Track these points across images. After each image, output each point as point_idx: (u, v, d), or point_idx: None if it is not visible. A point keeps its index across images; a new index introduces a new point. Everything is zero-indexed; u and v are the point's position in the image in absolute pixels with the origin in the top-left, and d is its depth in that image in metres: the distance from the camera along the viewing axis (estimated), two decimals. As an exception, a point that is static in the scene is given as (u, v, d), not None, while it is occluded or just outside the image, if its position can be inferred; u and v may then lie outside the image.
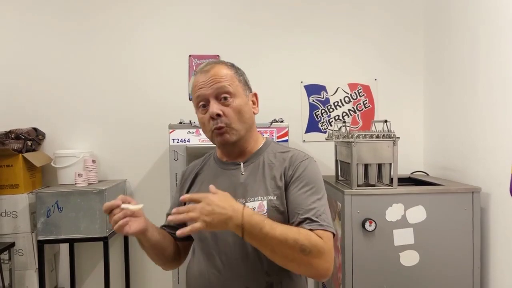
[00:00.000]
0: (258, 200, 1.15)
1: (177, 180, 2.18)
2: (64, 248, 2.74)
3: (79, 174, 2.44)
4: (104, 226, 2.32)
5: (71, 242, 2.57)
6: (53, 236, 2.31)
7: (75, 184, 2.45)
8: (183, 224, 1.16)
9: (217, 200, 1.00)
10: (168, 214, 1.27)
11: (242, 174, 1.20)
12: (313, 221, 1.08)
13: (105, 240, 2.33)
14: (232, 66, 1.24)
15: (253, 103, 1.25)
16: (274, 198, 1.16)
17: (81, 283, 2.76)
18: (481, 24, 2.14)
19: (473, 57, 2.22)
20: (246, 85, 1.24)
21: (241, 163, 1.22)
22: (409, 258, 2.04)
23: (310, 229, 1.06)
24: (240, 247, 1.14)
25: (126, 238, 2.72)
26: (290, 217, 1.14)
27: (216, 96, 1.15)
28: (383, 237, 2.02)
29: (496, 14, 2.01)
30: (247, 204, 1.15)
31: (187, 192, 1.26)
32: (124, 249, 2.73)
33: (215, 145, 1.26)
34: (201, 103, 1.17)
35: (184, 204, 1.16)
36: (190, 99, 2.76)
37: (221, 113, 1.14)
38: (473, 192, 2.05)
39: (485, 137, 2.12)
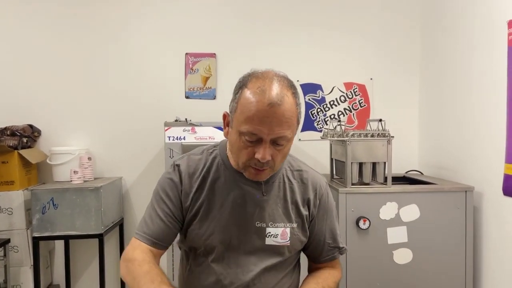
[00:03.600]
0: (281, 227, 1.13)
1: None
2: (60, 245, 2.74)
3: (74, 171, 2.44)
4: (100, 223, 2.32)
5: (66, 239, 2.57)
6: (48, 232, 2.31)
7: (71, 181, 2.45)
8: (172, 238, 1.13)
9: None
10: (161, 218, 1.11)
11: (263, 195, 1.12)
12: (340, 248, 1.23)
13: (100, 237, 2.34)
14: (296, 95, 1.04)
15: None
16: (296, 225, 1.15)
17: (76, 280, 2.77)
18: (476, 27, 2.15)
19: (468, 59, 2.23)
20: (299, 119, 1.06)
21: (262, 183, 1.12)
22: (402, 256, 2.06)
23: (334, 257, 1.23)
24: (252, 272, 1.10)
25: (121, 235, 2.73)
26: (315, 244, 1.21)
27: (272, 140, 1.00)
28: (376, 235, 2.04)
29: (491, 17, 2.02)
30: (268, 229, 1.12)
31: (193, 197, 1.12)
32: (119, 246, 2.73)
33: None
34: (249, 137, 0.99)
35: (188, 208, 1.11)
36: (186, 97, 2.77)
37: (270, 159, 1.02)
38: (466, 191, 2.07)
39: (478, 137, 2.14)
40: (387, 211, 2.05)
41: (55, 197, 2.31)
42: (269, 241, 1.11)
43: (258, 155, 1.00)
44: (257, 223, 1.11)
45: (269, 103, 0.96)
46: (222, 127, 1.12)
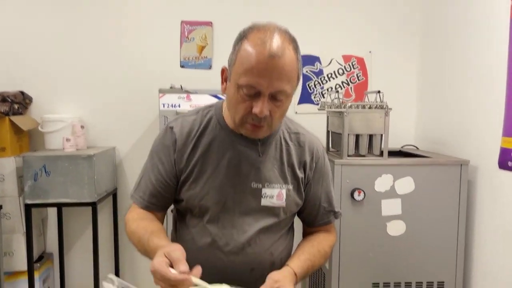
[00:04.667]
0: (277, 188, 1.12)
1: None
2: (52, 213, 2.72)
3: (67, 139, 2.40)
4: (93, 191, 2.30)
5: (59, 206, 2.56)
6: (41, 200, 2.28)
7: (63, 149, 2.41)
8: (168, 200, 1.14)
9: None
10: (152, 183, 1.11)
11: (259, 156, 1.11)
12: (335, 212, 1.24)
13: (93, 205, 2.32)
14: (297, 50, 1.02)
15: None
16: (291, 187, 1.14)
17: (69, 248, 2.77)
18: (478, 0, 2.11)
19: (468, 33, 2.20)
20: (300, 76, 1.04)
21: (259, 143, 1.10)
22: (395, 228, 2.07)
23: (329, 221, 1.23)
24: (247, 233, 1.10)
25: (115, 204, 2.71)
26: (311, 207, 1.20)
27: (271, 94, 0.97)
28: (371, 207, 2.04)
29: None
30: (264, 190, 1.10)
31: (188, 158, 1.10)
32: (113, 215, 2.72)
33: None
34: (247, 90, 0.96)
35: (182, 169, 1.10)
36: (181, 66, 2.71)
37: (268, 114, 0.98)
38: (461, 164, 2.07)
39: (475, 112, 2.12)
40: (382, 183, 2.04)
41: (47, 164, 2.28)
42: (264, 202, 1.10)
43: (256, 110, 0.97)
44: (253, 184, 1.10)
45: (270, 55, 0.93)
46: (220, 91, 1.09)
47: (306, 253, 1.14)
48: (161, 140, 1.14)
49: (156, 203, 1.13)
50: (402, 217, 2.06)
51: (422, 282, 2.09)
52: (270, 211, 1.12)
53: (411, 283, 2.08)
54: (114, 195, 2.70)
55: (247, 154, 1.10)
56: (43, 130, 2.52)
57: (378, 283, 2.07)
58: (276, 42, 0.95)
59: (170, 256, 0.88)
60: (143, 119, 2.69)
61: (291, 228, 1.24)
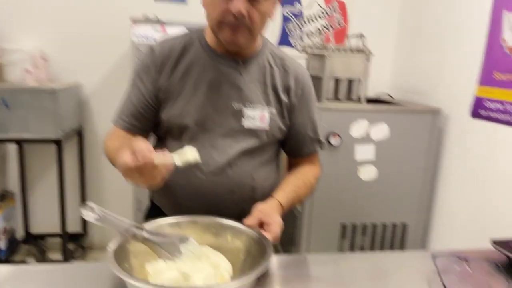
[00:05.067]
0: (259, 109, 1.08)
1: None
2: (13, 150, 2.58)
3: (27, 71, 2.23)
4: (58, 127, 2.18)
5: (21, 142, 2.41)
6: (1, 135, 2.14)
7: (24, 81, 2.24)
8: (149, 123, 1.11)
9: (278, 220, 0.97)
10: (133, 103, 1.08)
11: (241, 75, 1.08)
12: (320, 142, 1.22)
13: (58, 143, 2.21)
14: None
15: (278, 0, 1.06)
16: (275, 111, 1.11)
17: (33, 188, 2.66)
18: None
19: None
20: None
21: (240, 62, 1.08)
22: (367, 173, 2.11)
23: (315, 151, 1.21)
24: (228, 154, 1.08)
25: (81, 142, 2.59)
26: (296, 136, 1.17)
27: None
28: (345, 152, 2.06)
29: None
30: (245, 110, 1.07)
31: (169, 78, 1.06)
32: (79, 155, 2.61)
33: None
34: None
35: (162, 88, 1.07)
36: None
37: (246, 14, 0.94)
38: (433, 112, 2.11)
39: (450, 59, 2.13)
40: (358, 128, 2.05)
41: (6, 96, 2.11)
42: (247, 123, 1.08)
43: (232, 7, 0.93)
44: (234, 104, 1.07)
45: None
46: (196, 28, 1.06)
47: (291, 184, 1.14)
48: (142, 61, 1.11)
49: (136, 125, 1.10)
50: (374, 163, 2.10)
51: (386, 224, 2.18)
52: (252, 133, 1.09)
53: (376, 224, 2.17)
54: (79, 134, 2.58)
55: (228, 74, 1.07)
56: (1, 60, 2.32)
57: (346, 224, 2.14)
58: None
59: (133, 147, 0.81)
60: (112, 53, 2.52)
61: (276, 160, 1.21)
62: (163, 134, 1.13)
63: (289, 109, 1.14)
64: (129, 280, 0.66)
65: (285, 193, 1.09)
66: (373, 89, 2.68)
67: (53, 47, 2.49)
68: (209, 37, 1.09)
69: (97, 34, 2.50)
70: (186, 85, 1.07)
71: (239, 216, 1.09)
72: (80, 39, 2.50)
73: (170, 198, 1.13)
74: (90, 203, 0.79)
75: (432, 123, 2.10)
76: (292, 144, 1.20)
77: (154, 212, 1.18)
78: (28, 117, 2.15)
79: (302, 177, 1.17)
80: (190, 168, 1.05)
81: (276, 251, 0.86)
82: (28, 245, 2.62)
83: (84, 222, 2.70)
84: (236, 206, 1.08)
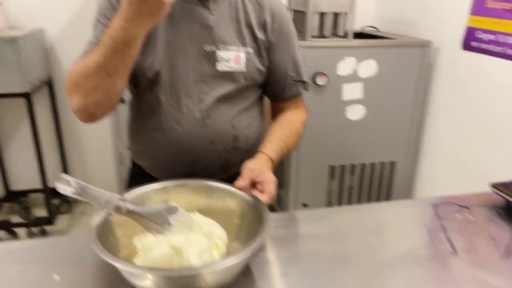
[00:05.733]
0: (233, 50, 0.98)
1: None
2: (-21, 106, 2.42)
3: (-19, 18, 2.01)
4: (24, 79, 2.01)
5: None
6: (-38, 91, 1.97)
7: (-22, 29, 2.03)
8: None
9: (271, 177, 0.89)
10: (96, 43, 0.91)
11: (211, 14, 0.97)
12: (304, 83, 1.13)
13: (27, 96, 2.05)
14: None
15: None
16: (252, 51, 1.00)
17: (7, 144, 2.53)
18: None
19: None
20: None
21: (210, 1, 0.98)
22: (355, 112, 2.06)
23: (299, 93, 1.13)
24: (204, 102, 0.99)
25: (52, 92, 2.43)
26: (277, 77, 1.07)
27: None
28: (332, 92, 1.99)
29: None
30: (218, 52, 0.97)
31: None
32: (51, 107, 2.46)
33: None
34: None
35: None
36: None
37: None
38: (423, 46, 2.01)
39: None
40: (345, 66, 1.96)
41: (-39, 48, 1.92)
42: (221, 66, 0.98)
43: None
44: (206, 46, 0.97)
45: None
46: None
47: (278, 135, 1.06)
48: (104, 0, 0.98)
49: None
50: (362, 102, 2.04)
51: (375, 163, 2.17)
52: (228, 76, 1.00)
53: (365, 164, 2.16)
54: (49, 84, 2.41)
55: (197, 14, 0.97)
56: None
57: (334, 166, 2.12)
58: None
59: None
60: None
61: (259, 106, 1.13)
62: (134, 87, 1.03)
63: (266, 47, 1.04)
64: (117, 265, 0.60)
65: (273, 145, 1.02)
66: (356, 20, 2.54)
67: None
68: None
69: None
70: (152, 29, 0.93)
71: (223, 167, 1.04)
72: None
73: (149, 156, 1.06)
74: (64, 176, 0.71)
75: (421, 56, 2.02)
76: (274, 87, 1.11)
77: (136, 173, 1.11)
78: (-11, 71, 1.97)
79: (288, 125, 1.09)
80: (166, 121, 0.99)
81: (272, 210, 0.81)
82: (10, 203, 2.56)
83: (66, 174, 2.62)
84: (219, 157, 1.02)
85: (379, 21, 2.63)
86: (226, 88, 1.00)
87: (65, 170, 2.59)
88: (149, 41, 0.95)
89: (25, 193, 2.59)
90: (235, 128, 1.03)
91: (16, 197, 2.57)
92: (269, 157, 0.99)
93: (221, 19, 0.98)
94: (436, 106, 2.09)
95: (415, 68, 2.03)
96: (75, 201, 2.70)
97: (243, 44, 1.00)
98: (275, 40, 1.04)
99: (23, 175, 2.57)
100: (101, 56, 0.82)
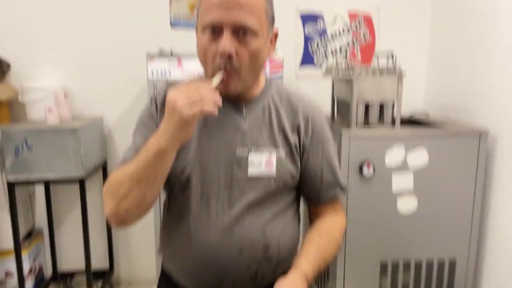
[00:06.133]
0: (265, 152, 0.97)
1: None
2: (40, 188, 2.57)
3: (49, 109, 2.20)
4: (80, 166, 2.13)
5: (43, 183, 2.40)
6: (24, 176, 2.11)
7: (46, 120, 2.22)
8: None
9: None
10: (137, 150, 0.96)
11: (245, 120, 0.98)
12: (341, 186, 1.08)
13: (81, 181, 2.16)
14: None
15: (270, 42, 0.98)
16: (283, 153, 0.99)
17: (59, 224, 2.63)
18: None
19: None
20: (272, 18, 0.96)
21: (244, 106, 0.99)
22: (406, 205, 1.92)
23: (336, 196, 1.07)
24: (233, 208, 0.96)
25: (105, 176, 2.55)
26: (312, 180, 1.04)
27: (233, 28, 0.88)
28: (380, 183, 1.89)
29: None
30: (250, 157, 0.96)
31: None
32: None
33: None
34: (211, 28, 0.88)
35: None
36: (172, 25, 2.46)
37: (233, 53, 0.88)
38: (480, 135, 1.89)
39: (494, 75, 1.92)
40: (394, 156, 1.88)
41: (28, 137, 2.09)
42: (251, 171, 0.96)
43: (218, 47, 0.88)
44: (238, 150, 0.97)
45: None
46: None
47: (315, 246, 1.00)
48: (146, 110, 1.04)
49: None
50: (414, 193, 1.91)
51: (433, 260, 1.97)
52: (259, 181, 0.97)
53: (421, 261, 1.96)
54: (104, 168, 2.53)
55: (231, 119, 0.98)
56: (23, 99, 2.31)
57: (387, 262, 1.95)
58: None
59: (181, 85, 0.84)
60: (131, 86, 2.47)
61: (293, 210, 1.07)
62: (169, 188, 1.03)
63: (299, 150, 1.02)
64: None
65: (309, 259, 0.95)
66: (405, 105, 2.48)
67: (75, 82, 2.48)
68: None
69: (117, 67, 2.46)
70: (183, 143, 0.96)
71: (253, 279, 0.96)
72: (101, 73, 2.47)
73: (176, 262, 1.02)
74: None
75: (478, 146, 1.89)
76: (309, 191, 1.06)
77: (164, 279, 1.07)
78: (51, 157, 2.11)
79: (326, 233, 1.03)
80: (195, 226, 0.96)
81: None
82: (55, 284, 2.59)
83: (111, 258, 2.64)
84: (248, 269, 0.96)
85: (429, 105, 2.56)
86: (256, 193, 0.97)
87: (110, 255, 2.62)
88: (183, 146, 0.96)
89: (71, 274, 2.62)
90: (266, 236, 0.97)
91: (62, 278, 2.61)
92: (305, 273, 0.92)
93: (254, 124, 0.99)
94: (499, 198, 1.91)
95: (471, 158, 1.90)
96: (117, 283, 2.68)
97: (275, 146, 0.99)
98: (308, 144, 1.02)
99: (71, 255, 2.63)
100: (134, 166, 0.86)
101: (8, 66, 2.41)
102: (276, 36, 1.00)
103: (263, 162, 0.97)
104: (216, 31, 0.88)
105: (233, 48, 0.88)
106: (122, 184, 0.88)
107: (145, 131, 0.99)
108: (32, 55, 2.43)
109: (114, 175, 0.93)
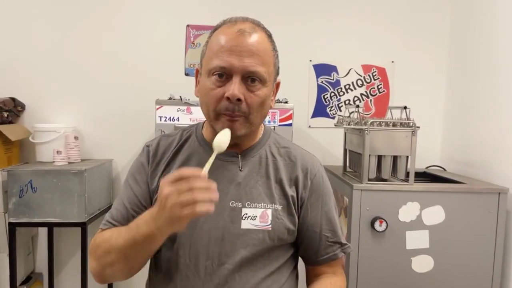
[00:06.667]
0: (261, 208, 0.92)
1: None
2: (43, 231, 2.52)
3: (58, 151, 2.20)
4: (83, 210, 2.09)
5: (45, 226, 2.35)
6: (26, 218, 2.07)
7: (53, 162, 2.21)
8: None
9: None
10: (125, 206, 0.96)
11: (240, 170, 0.94)
12: (341, 244, 1.01)
13: (83, 226, 2.10)
14: (271, 38, 0.96)
15: (273, 92, 0.99)
16: (280, 208, 0.93)
17: (59, 269, 2.55)
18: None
19: (503, 44, 1.93)
20: (278, 69, 0.98)
21: (239, 156, 0.96)
22: (422, 264, 1.80)
23: (335, 256, 1.00)
24: (225, 265, 0.90)
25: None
26: (310, 237, 0.98)
27: (243, 75, 0.87)
28: (394, 239, 1.78)
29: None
30: (244, 210, 0.90)
31: (161, 177, 0.96)
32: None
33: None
34: (219, 72, 0.87)
35: (154, 190, 0.95)
36: (186, 74, 2.49)
37: (242, 98, 0.87)
38: (499, 192, 1.80)
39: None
40: (408, 212, 1.79)
41: (34, 179, 2.07)
42: (245, 224, 0.90)
43: (227, 93, 0.86)
44: (232, 202, 0.91)
45: (239, 30, 0.88)
46: None
47: None
48: (136, 160, 1.03)
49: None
50: (429, 252, 1.79)
51: (451, 326, 1.81)
52: (253, 236, 0.90)
53: (439, 326, 1.81)
54: (109, 212, 2.48)
55: (226, 169, 0.94)
56: (34, 140, 2.32)
57: (401, 326, 1.80)
58: (247, 23, 0.92)
59: (174, 175, 0.74)
60: (141, 131, 2.46)
61: (289, 269, 0.99)
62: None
63: (297, 204, 0.96)
64: None
65: None
66: (421, 159, 2.41)
67: (87, 125, 2.50)
68: (206, 130, 1.00)
69: (130, 112, 2.49)
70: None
71: None
72: (113, 117, 2.50)
73: None
74: None
75: (498, 204, 1.79)
76: (307, 248, 0.99)
77: None
78: (54, 200, 2.08)
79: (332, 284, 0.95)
80: (182, 285, 0.90)
81: None
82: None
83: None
84: None
85: (445, 161, 2.48)
86: (250, 249, 0.90)
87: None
88: None
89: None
90: None
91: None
92: None
93: (250, 175, 0.94)
94: (522, 263, 1.78)
95: (490, 217, 1.79)
96: (115, 336, 2.54)
97: (272, 201, 0.93)
98: (307, 198, 0.97)
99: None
100: (123, 240, 0.83)
101: (23, 107, 2.45)
102: (278, 86, 0.98)
103: (258, 215, 0.91)
104: (224, 76, 0.87)
105: (242, 95, 0.87)
106: (108, 254, 0.85)
107: (134, 185, 0.97)
108: (47, 97, 2.48)
109: (101, 237, 0.90)
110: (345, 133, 2.10)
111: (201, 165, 0.92)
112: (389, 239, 1.78)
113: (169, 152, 0.99)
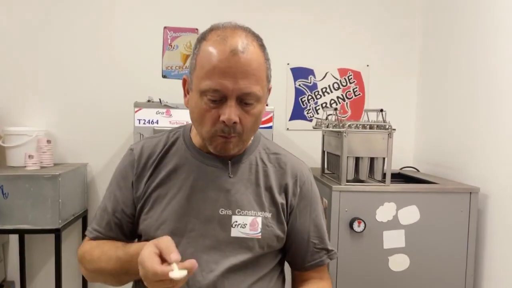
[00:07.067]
0: (251, 216, 0.91)
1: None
2: (14, 238, 2.43)
3: (29, 156, 2.13)
4: (57, 216, 2.02)
5: (17, 233, 2.27)
6: (-3, 225, 2.00)
7: (25, 167, 2.14)
8: (126, 235, 0.96)
9: None
10: (108, 212, 0.95)
11: (230, 177, 0.93)
12: (328, 251, 1.02)
13: (57, 232, 2.04)
14: (263, 47, 0.91)
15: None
16: (269, 215, 0.93)
17: (32, 277, 2.46)
18: (486, 13, 1.93)
19: (473, 49, 2.01)
20: (270, 77, 0.93)
21: (229, 162, 0.94)
22: (398, 263, 1.85)
23: (322, 262, 1.01)
24: (213, 272, 0.89)
25: (83, 231, 2.43)
26: (298, 243, 0.99)
27: (238, 97, 0.84)
28: (371, 239, 1.82)
29: (496, 9, 1.80)
30: (234, 217, 0.90)
31: (147, 183, 0.94)
32: (82, 238, 2.43)
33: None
34: (212, 94, 0.83)
35: (140, 196, 0.94)
36: (163, 76, 2.47)
37: (238, 121, 0.85)
38: (471, 192, 1.87)
39: (484, 133, 1.93)
40: (385, 212, 1.83)
41: (5, 185, 1.99)
42: (235, 232, 0.90)
43: (223, 117, 0.84)
44: (221, 210, 0.91)
45: (232, 50, 0.82)
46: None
47: None
48: (120, 164, 1.01)
49: (113, 236, 0.96)
50: (405, 251, 1.84)
51: (426, 322, 1.87)
52: (242, 244, 0.91)
53: (415, 323, 1.86)
54: (84, 217, 2.42)
55: (215, 176, 0.93)
56: (4, 144, 2.24)
57: (379, 324, 1.84)
58: (238, 37, 0.85)
59: (159, 245, 0.75)
60: (118, 134, 2.42)
61: (277, 274, 1.00)
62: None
63: (287, 211, 0.97)
64: None
65: None
66: (395, 161, 2.47)
67: (60, 128, 2.43)
68: (195, 135, 0.97)
69: (105, 115, 2.43)
70: (166, 190, 0.93)
71: None
72: (88, 120, 2.44)
73: None
74: None
75: (469, 203, 1.85)
76: (294, 254, 1.00)
77: None
78: (26, 206, 2.01)
79: None
80: None
81: None
82: None
83: (85, 316, 2.46)
84: None
85: (418, 162, 2.56)
86: (239, 257, 0.90)
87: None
88: (160, 202, 0.92)
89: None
90: None
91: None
92: None
93: (239, 182, 0.94)
94: (492, 258, 1.85)
95: (462, 216, 1.86)
96: None
97: (261, 209, 0.93)
98: (296, 204, 0.97)
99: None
100: (111, 267, 0.86)
101: (-8, 110, 2.36)
102: (269, 91, 0.97)
103: (248, 223, 0.91)
104: (218, 97, 0.84)
105: (237, 117, 0.85)
106: (100, 274, 0.90)
107: (118, 192, 0.96)
108: (17, 101, 2.40)
109: (89, 251, 0.93)
110: (323, 135, 2.13)
111: (187, 169, 0.93)
112: (367, 239, 1.82)
113: (155, 156, 0.96)
